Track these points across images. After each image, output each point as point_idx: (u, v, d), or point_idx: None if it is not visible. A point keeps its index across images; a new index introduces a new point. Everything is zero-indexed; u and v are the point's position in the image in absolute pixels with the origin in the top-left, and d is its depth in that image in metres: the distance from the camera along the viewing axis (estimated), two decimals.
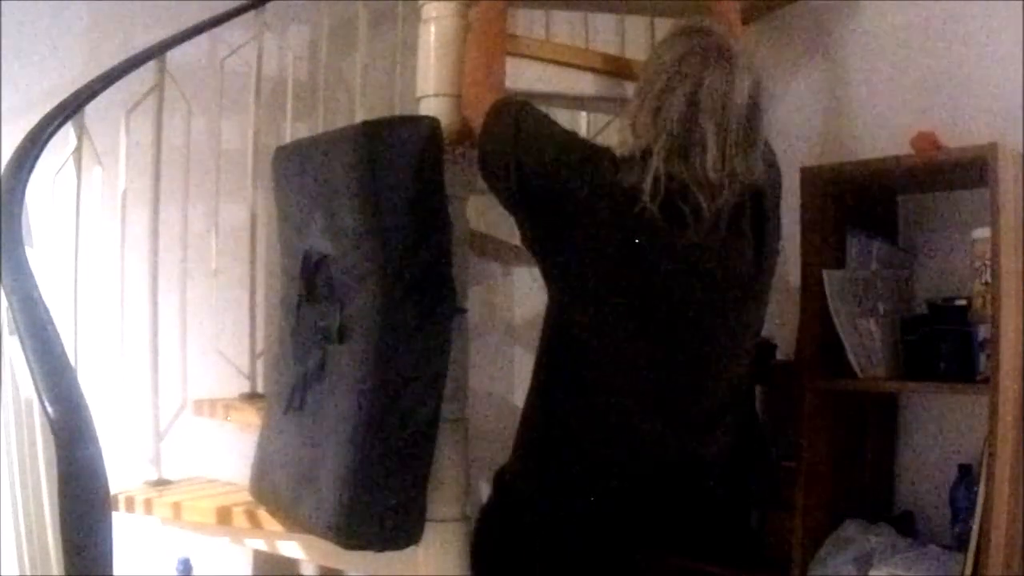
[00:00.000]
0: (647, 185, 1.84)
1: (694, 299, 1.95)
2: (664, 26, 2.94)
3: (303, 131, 2.89)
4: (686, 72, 1.85)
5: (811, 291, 2.32)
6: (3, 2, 2.87)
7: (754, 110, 1.88)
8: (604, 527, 2.04)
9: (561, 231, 1.95)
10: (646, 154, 1.88)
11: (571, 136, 2.06)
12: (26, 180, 2.08)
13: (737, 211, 1.94)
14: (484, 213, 2.16)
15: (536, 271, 2.08)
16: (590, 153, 1.98)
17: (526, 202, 1.99)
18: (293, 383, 2.20)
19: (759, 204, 1.99)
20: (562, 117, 3.16)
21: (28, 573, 1.95)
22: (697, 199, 1.86)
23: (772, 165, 2.09)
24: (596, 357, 1.99)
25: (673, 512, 2.13)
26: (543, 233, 2.00)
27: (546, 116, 2.08)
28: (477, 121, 2.07)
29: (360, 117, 2.80)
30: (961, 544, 2.12)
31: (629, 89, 2.53)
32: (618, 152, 1.96)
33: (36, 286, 1.75)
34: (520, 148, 1.96)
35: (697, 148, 1.84)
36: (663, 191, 1.85)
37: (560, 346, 2.04)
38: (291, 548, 2.45)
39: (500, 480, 2.15)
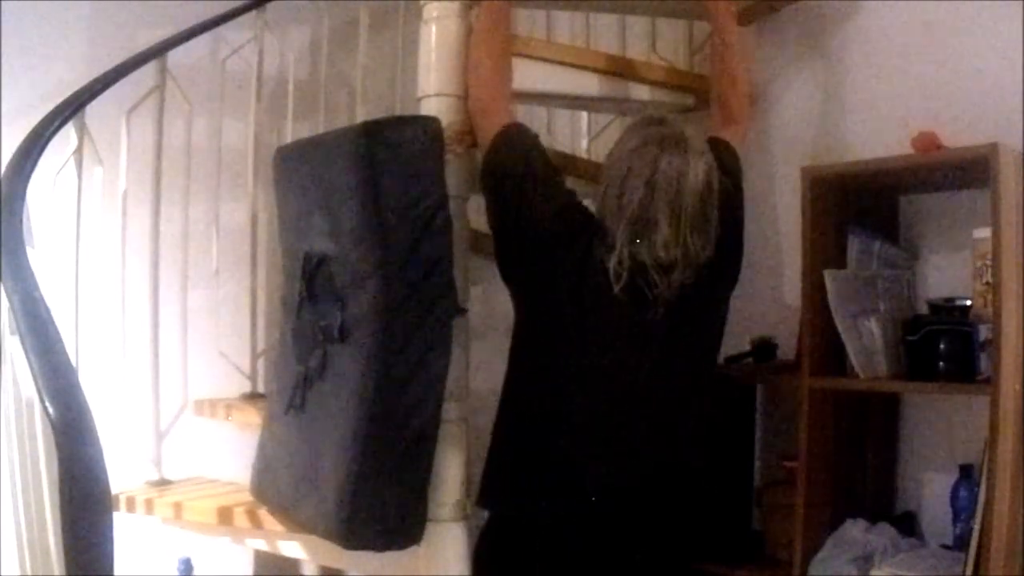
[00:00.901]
0: (611, 265, 1.99)
1: (650, 350, 2.08)
2: (664, 26, 2.96)
3: (304, 131, 2.89)
4: (644, 159, 1.99)
5: (812, 291, 2.32)
6: (3, 2, 2.87)
7: (708, 192, 2.00)
8: (572, 544, 2.06)
9: (537, 275, 2.09)
10: (612, 236, 2.01)
11: (573, 196, 2.16)
12: (27, 180, 2.09)
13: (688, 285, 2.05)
14: (484, 213, 2.16)
15: None
16: (586, 222, 2.09)
17: (516, 231, 2.10)
18: (294, 383, 2.20)
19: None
20: (563, 117, 3.18)
21: (29, 573, 1.95)
22: (655, 279, 1.99)
23: (729, 174, 2.19)
24: (551, 396, 2.10)
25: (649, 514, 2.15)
26: (521, 268, 2.12)
27: (552, 164, 2.18)
28: (482, 125, 2.12)
29: (361, 117, 2.80)
30: (962, 544, 2.12)
31: (630, 89, 2.55)
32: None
33: (37, 286, 1.75)
34: (526, 180, 2.08)
35: (651, 229, 1.98)
36: (626, 272, 1.99)
37: (525, 357, 2.14)
38: (292, 548, 2.45)
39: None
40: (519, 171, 2.09)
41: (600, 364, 2.07)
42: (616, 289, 1.99)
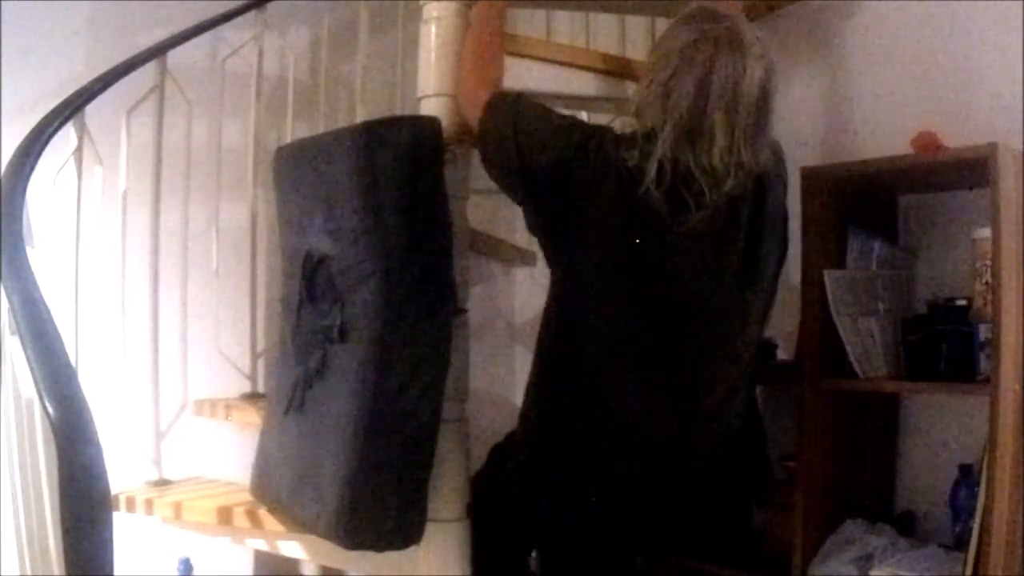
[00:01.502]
0: (651, 169, 1.84)
1: (693, 287, 1.96)
2: (664, 26, 2.95)
3: (304, 131, 2.89)
4: (696, 58, 1.85)
5: (812, 291, 2.32)
6: (3, 2, 2.87)
7: (765, 99, 1.87)
8: (605, 519, 2.04)
9: (564, 211, 1.96)
10: (650, 137, 1.88)
11: (570, 118, 2.07)
12: (27, 180, 2.08)
13: (739, 202, 1.94)
14: (484, 213, 2.16)
15: (536, 271, 2.08)
16: (591, 132, 1.98)
17: (528, 185, 2.00)
18: (294, 383, 2.20)
19: (761, 195, 1.99)
20: None
21: (29, 573, 1.95)
22: (700, 186, 1.86)
23: (779, 158, 2.09)
24: (596, 343, 1.99)
25: (672, 504, 2.13)
26: (547, 215, 2.01)
27: (543, 104, 2.08)
28: (472, 117, 2.10)
29: (361, 117, 2.80)
30: (961, 544, 2.12)
31: (630, 89, 2.54)
32: (619, 132, 1.97)
33: (37, 286, 1.75)
34: (520, 133, 1.98)
35: (705, 136, 1.84)
36: (668, 176, 1.85)
37: (561, 332, 2.05)
38: (292, 548, 2.45)
39: (496, 460, 2.14)
40: (516, 129, 2.00)
41: (643, 283, 1.94)
42: (655, 192, 1.85)
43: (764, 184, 1.98)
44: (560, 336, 2.05)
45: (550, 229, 2.03)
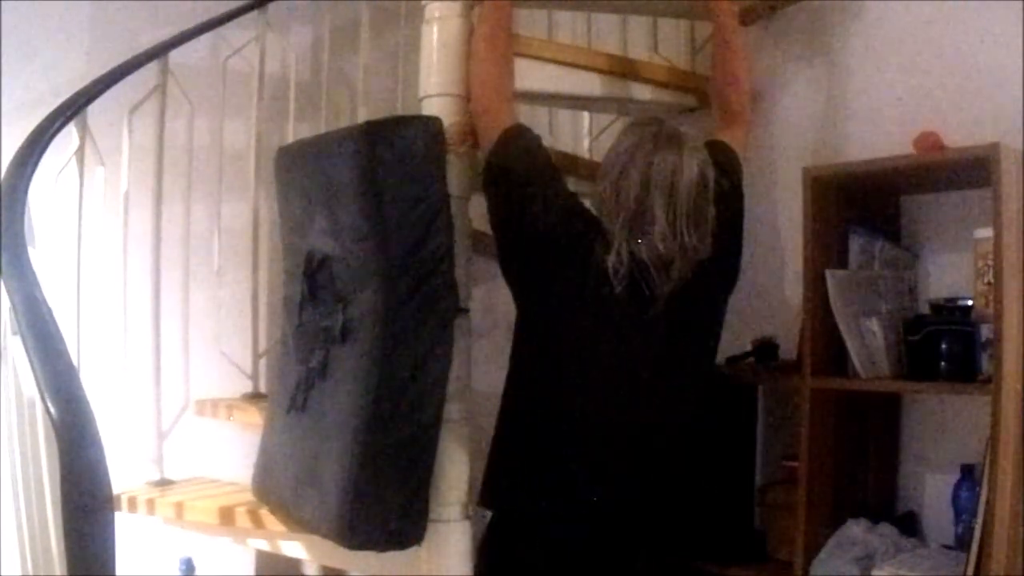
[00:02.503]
0: (611, 262, 1.99)
1: (650, 349, 2.08)
2: (666, 26, 2.95)
3: (305, 131, 2.89)
4: (638, 156, 2.01)
5: (813, 291, 2.32)
6: (4, 2, 2.88)
7: (704, 188, 2.01)
8: (574, 542, 2.06)
9: (541, 278, 2.08)
10: (610, 235, 2.02)
11: (576, 200, 2.17)
12: (29, 180, 2.09)
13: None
14: (486, 213, 2.17)
15: None
16: (591, 227, 2.07)
17: (518, 237, 2.10)
18: (295, 383, 2.20)
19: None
20: (564, 117, 3.18)
21: (30, 573, 1.95)
22: (654, 277, 2.00)
23: (728, 174, 2.19)
24: (553, 394, 2.09)
25: (654, 501, 2.15)
26: (523, 273, 2.11)
27: (555, 167, 2.18)
28: (485, 126, 2.13)
29: (362, 117, 2.80)
30: (963, 544, 2.12)
31: (632, 89, 2.55)
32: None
33: (39, 286, 1.75)
34: (529, 188, 2.08)
35: (648, 223, 1.98)
36: (625, 269, 1.99)
37: (527, 351, 2.13)
38: (293, 548, 2.45)
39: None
40: (521, 173, 2.09)
41: (601, 363, 2.07)
42: (617, 288, 2.00)
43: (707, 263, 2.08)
44: (527, 347, 2.14)
45: (521, 290, 2.13)
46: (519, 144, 2.11)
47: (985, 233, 2.13)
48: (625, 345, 2.07)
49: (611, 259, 1.99)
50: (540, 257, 2.08)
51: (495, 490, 2.12)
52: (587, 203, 2.17)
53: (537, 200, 2.07)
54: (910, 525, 2.40)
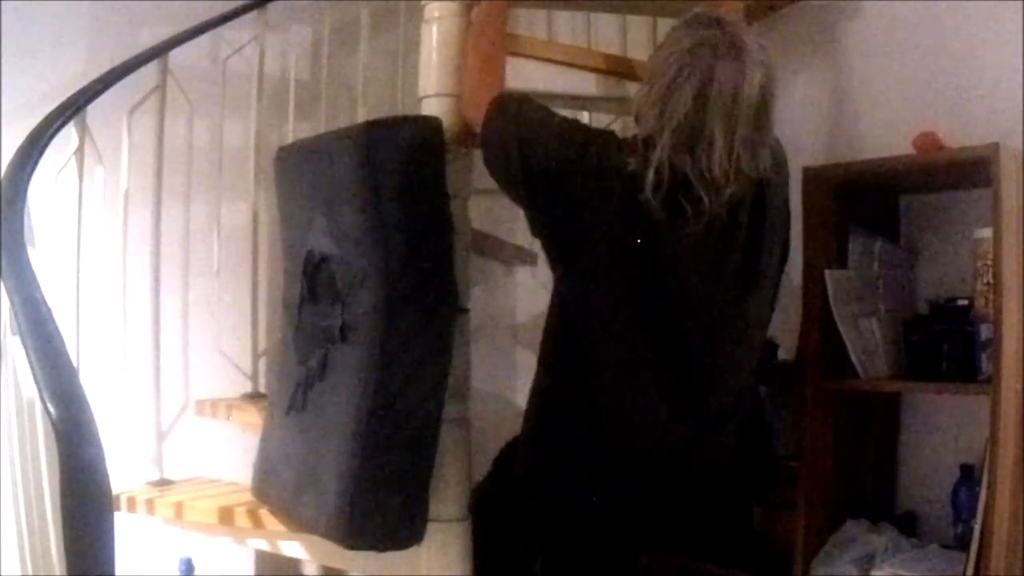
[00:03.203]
0: (648, 175, 1.83)
1: (694, 292, 1.95)
2: (666, 26, 2.95)
3: (305, 131, 2.89)
4: (696, 64, 1.81)
5: (813, 291, 2.32)
6: (3, 2, 2.87)
7: (764, 106, 1.84)
8: (608, 522, 2.04)
9: (566, 214, 1.95)
10: (649, 143, 1.86)
11: (573, 122, 2.06)
12: (28, 180, 2.09)
13: (740, 207, 1.93)
14: (486, 212, 2.17)
15: (538, 271, 2.08)
16: (593, 136, 1.98)
17: (531, 188, 1.99)
18: (295, 383, 2.20)
19: (761, 199, 1.98)
20: None
21: (30, 573, 1.95)
22: (699, 194, 1.84)
23: (779, 161, 2.06)
24: (599, 345, 1.99)
25: (677, 506, 2.13)
26: (548, 219, 2.00)
27: (545, 107, 2.07)
28: (475, 119, 2.10)
29: (362, 117, 2.80)
30: (963, 544, 2.12)
31: (631, 89, 2.54)
32: (620, 136, 1.97)
33: (38, 286, 1.75)
34: (523, 135, 1.98)
35: (703, 143, 1.81)
36: (665, 183, 1.83)
37: (564, 335, 2.04)
38: (293, 548, 2.45)
39: (501, 466, 2.15)
40: (520, 128, 1.99)
41: (645, 289, 1.93)
42: (653, 199, 1.84)
43: (765, 188, 1.97)
44: (563, 338, 2.05)
45: (552, 232, 2.02)
46: (506, 108, 2.03)
47: (985, 233, 2.14)
48: (665, 261, 1.92)
49: (649, 172, 1.83)
50: (555, 192, 1.95)
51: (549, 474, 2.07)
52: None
53: (536, 146, 1.97)
54: (910, 525, 2.41)
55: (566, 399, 2.06)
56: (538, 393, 2.10)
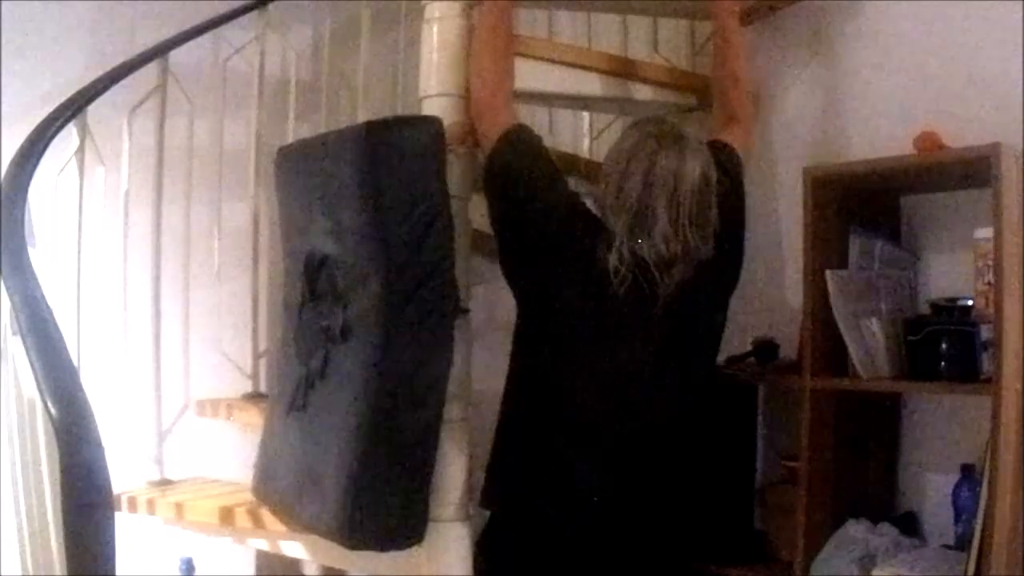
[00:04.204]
0: (612, 262, 2.00)
1: (652, 349, 2.09)
2: (666, 26, 2.96)
3: (306, 131, 2.89)
4: (641, 156, 2.01)
5: (814, 291, 2.32)
6: (4, 2, 2.87)
7: (706, 187, 2.02)
8: (573, 545, 2.06)
9: (539, 275, 2.10)
10: (612, 234, 2.02)
11: (578, 198, 2.18)
12: (29, 180, 2.09)
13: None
14: (486, 213, 2.17)
15: None
16: (593, 227, 2.08)
17: (516, 235, 2.12)
18: (296, 383, 2.20)
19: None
20: (565, 117, 3.18)
21: (30, 573, 1.95)
22: (655, 277, 2.01)
23: (734, 172, 2.23)
24: (553, 395, 2.11)
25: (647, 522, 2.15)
26: (521, 269, 2.13)
27: (553, 163, 2.19)
28: (484, 127, 2.14)
29: (363, 117, 2.80)
30: (963, 544, 2.12)
31: (632, 89, 2.55)
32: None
33: (39, 286, 1.75)
34: (531, 189, 2.10)
35: (650, 223, 1.99)
36: (627, 269, 2.00)
37: (526, 373, 2.15)
38: (294, 548, 2.46)
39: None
40: (523, 173, 2.10)
41: (602, 364, 2.08)
42: (618, 288, 2.00)
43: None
44: (522, 369, 2.16)
45: (521, 285, 2.15)
46: (519, 144, 2.11)
47: (985, 233, 2.13)
48: (626, 345, 2.08)
49: (612, 259, 2.00)
50: (541, 257, 2.09)
51: (496, 491, 2.13)
52: (588, 202, 2.16)
53: (538, 200, 2.09)
54: (910, 525, 2.40)
55: (529, 399, 2.14)
56: (505, 396, 2.18)
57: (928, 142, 2.24)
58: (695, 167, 2.01)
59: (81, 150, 2.44)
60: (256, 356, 2.89)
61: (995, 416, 2.01)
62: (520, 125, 2.15)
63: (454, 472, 2.13)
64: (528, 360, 2.14)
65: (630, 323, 2.06)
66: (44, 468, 1.87)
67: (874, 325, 2.29)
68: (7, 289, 1.76)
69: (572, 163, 2.71)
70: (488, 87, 2.15)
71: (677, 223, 1.99)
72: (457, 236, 2.07)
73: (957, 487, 2.24)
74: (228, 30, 2.88)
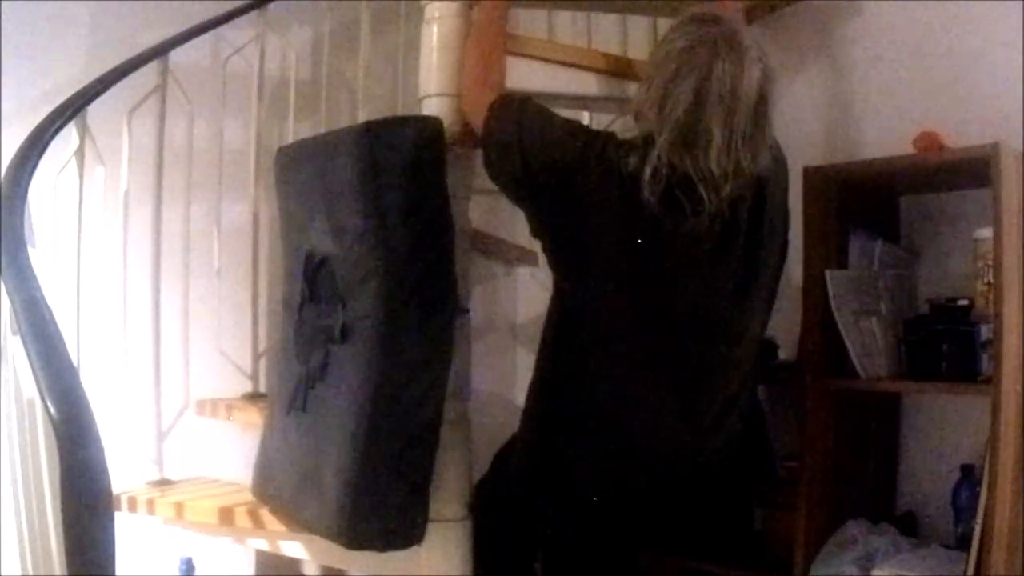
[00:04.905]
0: (647, 174, 1.84)
1: (694, 292, 1.97)
2: (666, 26, 2.95)
3: (305, 131, 2.89)
4: (694, 62, 1.83)
5: (813, 291, 2.32)
6: (3, 2, 2.87)
7: (762, 103, 1.86)
8: (607, 522, 2.04)
9: (566, 215, 1.97)
10: (648, 142, 1.88)
11: (573, 123, 2.08)
12: (28, 180, 2.09)
13: (739, 206, 1.94)
14: (486, 212, 2.17)
15: (538, 271, 2.08)
16: (593, 138, 1.99)
17: (532, 190, 2.01)
18: (295, 383, 2.20)
19: (761, 197, 1.99)
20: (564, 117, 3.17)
21: (30, 573, 1.95)
22: (698, 192, 1.85)
23: (779, 160, 2.08)
24: (598, 345, 2.00)
25: (675, 505, 2.13)
26: (549, 220, 2.02)
27: (546, 108, 2.09)
28: (476, 120, 2.10)
29: (362, 117, 2.80)
30: (963, 544, 2.12)
31: (631, 89, 2.54)
32: (621, 136, 1.97)
33: (39, 286, 1.75)
34: (524, 137, 1.99)
35: (702, 140, 1.83)
36: (664, 182, 1.84)
37: (563, 334, 2.06)
38: (294, 548, 2.45)
39: (501, 464, 2.15)
40: (520, 126, 2.01)
41: (645, 288, 1.95)
42: (651, 198, 1.85)
43: (764, 187, 1.98)
44: (562, 337, 2.06)
45: (552, 233, 2.04)
46: (504, 113, 2.04)
47: (985, 233, 2.13)
48: (665, 261, 1.93)
49: (647, 170, 1.84)
50: (558, 195, 1.96)
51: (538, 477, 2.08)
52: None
53: (542, 143, 1.98)
54: (910, 525, 2.41)
55: (563, 398, 2.07)
56: (536, 391, 2.11)
57: (928, 142, 2.24)
58: (753, 79, 1.83)
59: (81, 150, 2.44)
60: (256, 356, 2.89)
61: (995, 416, 2.01)
62: (502, 95, 2.07)
63: (454, 472, 2.13)
64: (569, 315, 2.03)
65: (669, 239, 1.90)
66: (44, 468, 1.87)
67: (874, 325, 2.29)
68: (7, 289, 1.76)
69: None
70: (473, 84, 2.13)
71: (731, 142, 1.82)
72: (456, 236, 2.07)
73: (957, 487, 2.25)
74: (228, 30, 2.88)
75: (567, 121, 2.06)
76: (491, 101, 2.06)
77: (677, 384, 2.00)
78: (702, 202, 1.86)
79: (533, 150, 1.98)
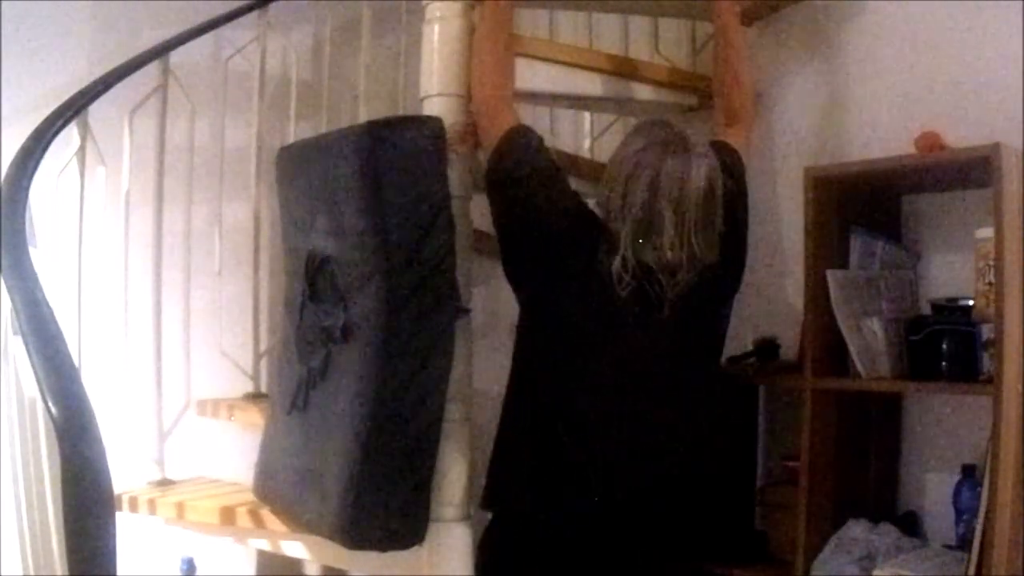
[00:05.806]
0: (616, 268, 1.99)
1: (655, 352, 2.09)
2: (667, 26, 2.96)
3: (307, 131, 2.89)
4: (646, 162, 1.99)
5: (815, 291, 2.32)
6: (4, 2, 2.88)
7: (711, 194, 2.00)
8: (576, 544, 2.06)
9: (540, 285, 2.10)
10: (615, 239, 2.01)
11: (580, 201, 2.16)
12: (30, 180, 2.09)
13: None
14: (487, 213, 2.17)
15: None
16: (594, 229, 2.07)
17: (523, 234, 2.11)
18: (297, 383, 2.20)
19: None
20: (565, 117, 3.18)
21: (31, 573, 1.95)
22: (660, 282, 2.00)
23: (738, 176, 2.21)
24: (557, 398, 2.09)
25: (664, 520, 2.14)
26: (526, 273, 2.13)
27: (557, 163, 2.18)
28: (488, 125, 2.14)
29: (364, 117, 2.80)
30: (965, 544, 2.12)
31: (633, 89, 2.55)
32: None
33: (40, 286, 1.75)
34: (529, 195, 2.08)
35: (657, 231, 1.98)
36: (630, 274, 1.99)
37: (528, 375, 2.14)
38: (294, 548, 2.45)
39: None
40: (525, 173, 2.09)
41: (605, 367, 2.07)
42: (622, 292, 1.99)
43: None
44: (525, 371, 2.14)
45: (525, 288, 2.14)
46: (521, 145, 2.10)
47: (986, 233, 2.13)
48: (630, 349, 2.07)
49: (616, 264, 1.99)
50: (543, 259, 2.08)
51: (497, 492, 2.12)
52: (591, 203, 2.15)
53: (540, 201, 2.08)
54: (911, 525, 2.40)
55: (531, 401, 2.12)
56: (507, 397, 2.17)
57: (929, 142, 2.24)
58: (701, 173, 1.99)
59: (82, 150, 2.44)
60: (257, 356, 2.89)
61: (996, 416, 2.01)
62: (522, 125, 2.14)
63: (455, 472, 2.13)
64: (530, 362, 2.13)
65: (634, 326, 2.05)
66: (45, 468, 1.88)
67: (875, 325, 2.29)
68: (8, 289, 1.76)
69: (573, 163, 2.70)
70: (489, 88, 2.15)
71: (683, 230, 1.97)
72: (458, 236, 2.07)
73: (958, 487, 2.24)
74: (229, 30, 2.88)
75: (575, 194, 2.16)
76: (509, 123, 2.12)
77: (633, 432, 2.07)
78: (663, 291, 2.02)
79: (536, 201, 2.08)
